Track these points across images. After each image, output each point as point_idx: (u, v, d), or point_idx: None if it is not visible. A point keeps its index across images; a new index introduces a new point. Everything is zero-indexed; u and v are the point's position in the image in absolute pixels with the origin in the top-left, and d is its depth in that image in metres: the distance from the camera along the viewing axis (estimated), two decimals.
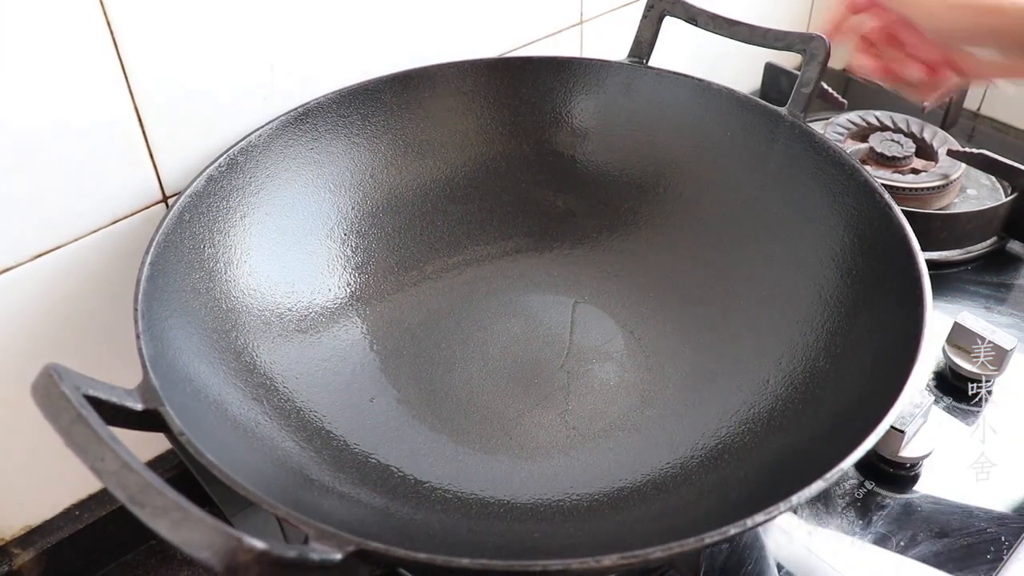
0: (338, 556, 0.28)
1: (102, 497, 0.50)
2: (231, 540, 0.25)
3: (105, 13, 0.41)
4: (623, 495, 0.42)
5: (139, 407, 0.33)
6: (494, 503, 0.41)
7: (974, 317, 0.55)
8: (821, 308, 0.46)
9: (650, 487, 0.42)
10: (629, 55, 0.57)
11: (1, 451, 0.46)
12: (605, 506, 0.41)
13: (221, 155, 0.47)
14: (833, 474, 0.31)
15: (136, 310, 0.38)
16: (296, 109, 0.50)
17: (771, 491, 0.32)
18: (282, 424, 0.41)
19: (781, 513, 0.30)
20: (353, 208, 0.53)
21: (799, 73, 0.51)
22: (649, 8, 0.56)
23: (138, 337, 0.37)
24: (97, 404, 0.31)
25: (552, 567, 0.27)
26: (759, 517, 0.29)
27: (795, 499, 0.30)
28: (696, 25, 0.54)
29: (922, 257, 0.41)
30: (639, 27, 0.56)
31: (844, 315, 0.44)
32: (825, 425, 0.39)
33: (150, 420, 0.34)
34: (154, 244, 0.41)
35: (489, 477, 0.43)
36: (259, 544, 0.25)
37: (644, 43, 0.56)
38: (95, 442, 0.28)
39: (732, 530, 0.29)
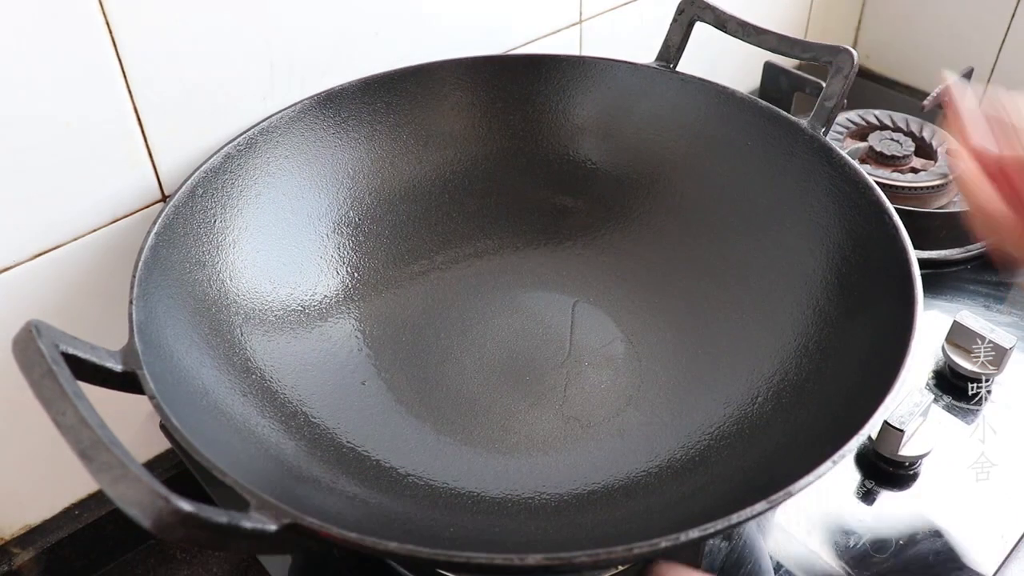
0: (273, 527, 0.29)
1: (102, 497, 0.50)
2: (159, 499, 0.26)
3: (104, 12, 0.41)
4: (592, 498, 0.41)
5: (119, 368, 0.35)
6: (464, 494, 0.42)
7: (973, 316, 0.55)
8: (818, 328, 0.45)
9: (620, 493, 0.41)
10: (657, 59, 0.56)
11: (1, 450, 0.46)
12: (572, 507, 0.41)
13: (240, 134, 0.48)
14: (779, 496, 0.30)
15: (134, 276, 0.40)
16: (320, 93, 0.51)
17: (736, 507, 0.32)
18: (264, 401, 0.42)
19: (719, 532, 0.30)
20: (369, 194, 0.54)
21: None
22: (679, 13, 0.55)
23: (131, 303, 0.38)
24: (75, 362, 0.33)
25: (475, 559, 0.28)
26: (693, 533, 0.29)
27: (735, 518, 0.30)
28: (725, 31, 0.53)
29: (920, 292, 0.39)
30: (668, 31, 0.55)
31: (838, 339, 0.43)
32: (799, 446, 0.38)
33: (128, 382, 0.35)
34: (162, 216, 0.43)
35: (464, 469, 0.43)
36: (187, 506, 0.26)
37: (672, 47, 0.55)
38: (60, 396, 0.30)
39: (663, 543, 0.29)
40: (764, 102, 0.52)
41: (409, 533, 0.38)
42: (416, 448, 0.44)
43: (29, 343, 0.31)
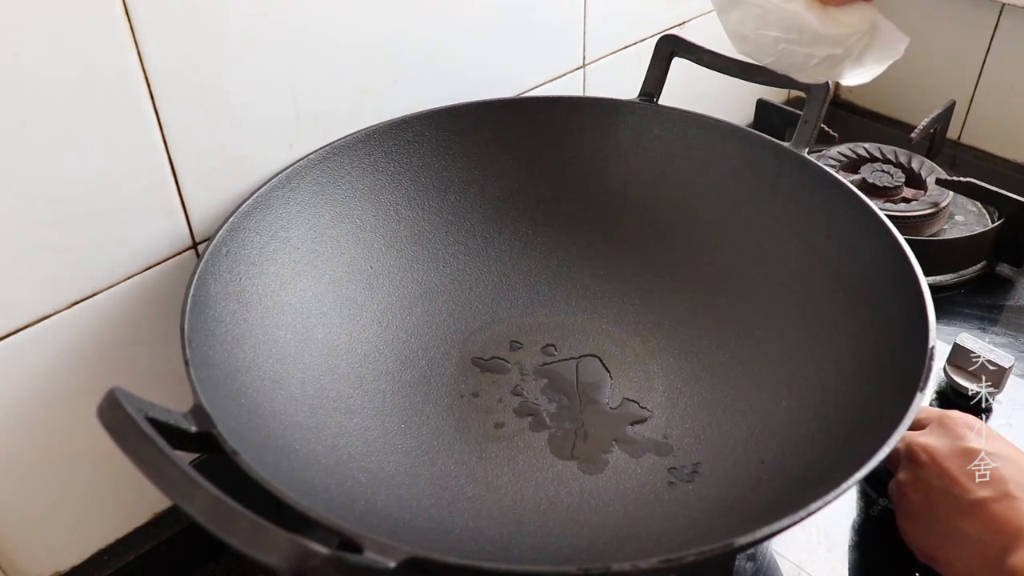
0: (392, 564, 0.30)
1: (129, 542, 0.51)
2: (299, 547, 0.27)
3: (144, 67, 0.42)
4: None
5: (193, 429, 0.35)
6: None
7: (972, 338, 0.58)
8: (826, 335, 0.48)
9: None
10: (640, 94, 0.59)
11: (30, 496, 0.46)
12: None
13: (263, 185, 0.49)
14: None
15: (183, 337, 0.40)
16: (322, 148, 0.52)
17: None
18: (318, 452, 0.43)
19: (715, 552, 0.31)
20: (380, 239, 0.55)
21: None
22: (659, 48, 0.58)
23: (187, 364, 0.39)
24: (156, 426, 0.33)
25: (594, 570, 0.29)
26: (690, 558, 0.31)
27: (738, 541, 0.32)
28: (702, 64, 0.57)
29: (931, 305, 0.42)
30: (649, 66, 0.59)
31: (849, 367, 0.46)
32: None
33: (203, 442, 0.36)
34: (196, 277, 0.43)
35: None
36: (324, 550, 0.27)
37: (654, 82, 0.59)
38: (164, 461, 0.30)
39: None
40: (745, 127, 0.56)
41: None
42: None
43: (117, 410, 0.32)
